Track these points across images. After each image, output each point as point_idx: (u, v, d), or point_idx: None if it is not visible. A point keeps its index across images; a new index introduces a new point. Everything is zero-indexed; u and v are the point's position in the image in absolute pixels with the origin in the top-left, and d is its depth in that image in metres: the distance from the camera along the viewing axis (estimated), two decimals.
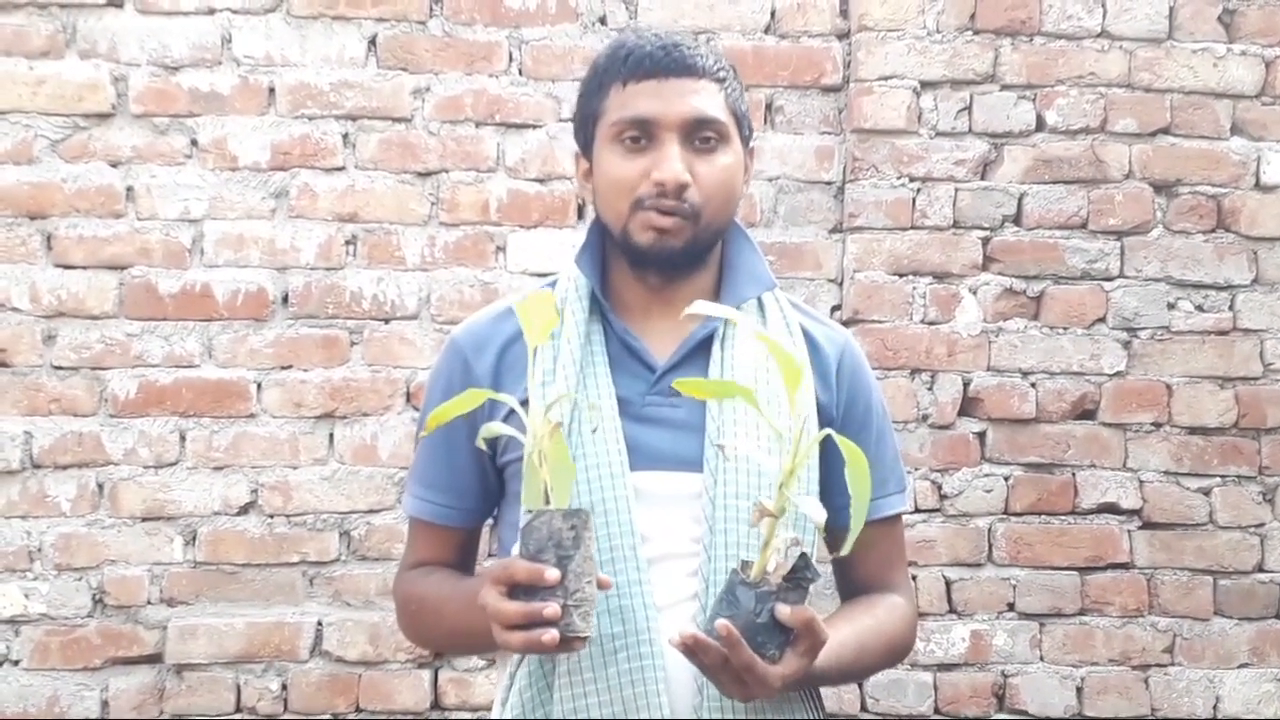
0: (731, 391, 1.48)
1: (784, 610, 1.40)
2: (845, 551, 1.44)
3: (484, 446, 1.56)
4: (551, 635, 1.38)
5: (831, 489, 1.54)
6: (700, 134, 1.60)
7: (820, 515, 1.40)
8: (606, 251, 1.69)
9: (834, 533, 1.50)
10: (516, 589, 1.41)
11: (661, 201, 1.58)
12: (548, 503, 1.42)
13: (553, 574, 1.39)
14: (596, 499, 1.54)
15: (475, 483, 1.69)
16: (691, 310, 1.47)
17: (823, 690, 1.70)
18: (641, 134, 1.60)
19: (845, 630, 1.58)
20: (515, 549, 1.48)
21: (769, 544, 1.41)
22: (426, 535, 1.74)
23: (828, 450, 1.50)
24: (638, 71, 1.61)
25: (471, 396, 1.50)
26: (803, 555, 1.42)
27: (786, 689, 1.46)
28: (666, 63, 1.60)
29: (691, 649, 1.40)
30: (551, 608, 1.38)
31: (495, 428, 1.50)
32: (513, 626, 1.41)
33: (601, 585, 1.44)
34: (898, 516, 1.75)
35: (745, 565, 1.43)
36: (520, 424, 1.46)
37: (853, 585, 1.75)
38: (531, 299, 1.47)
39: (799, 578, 1.41)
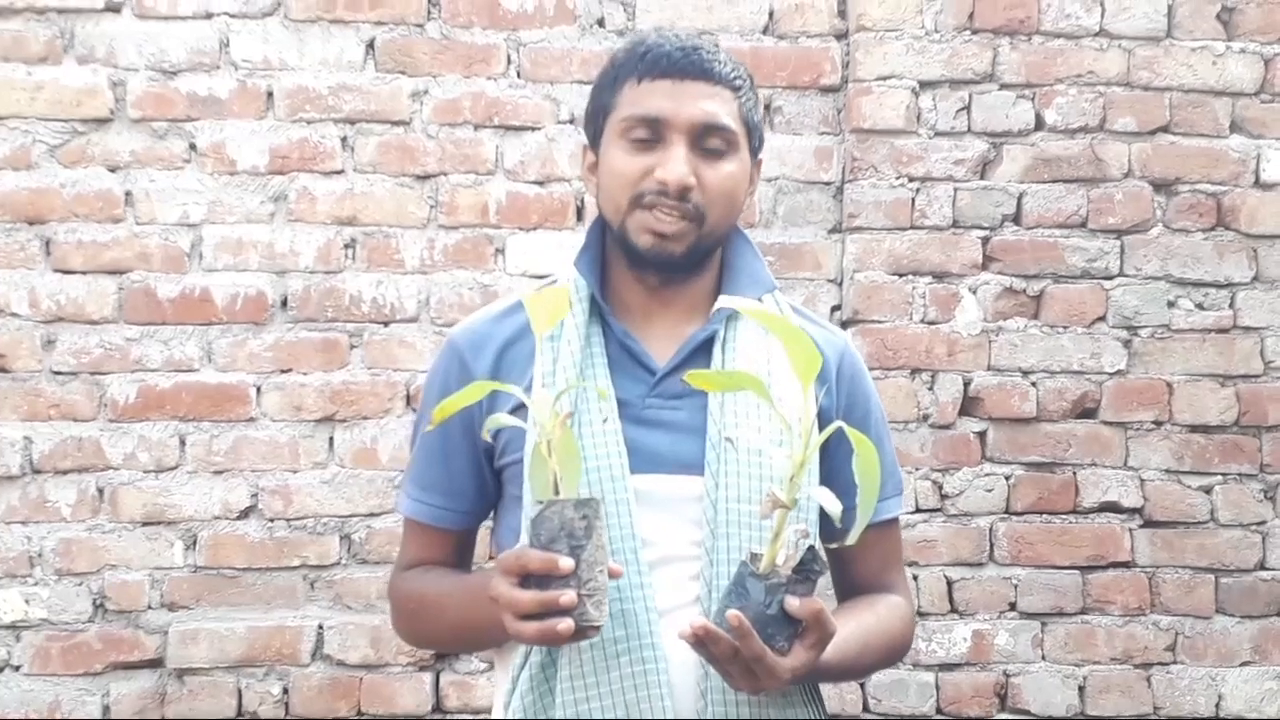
0: (742, 383, 1.48)
1: (793, 602, 1.40)
2: (852, 540, 1.43)
3: (488, 438, 1.56)
4: (567, 624, 1.39)
5: (832, 488, 1.53)
6: (709, 139, 1.60)
7: (836, 506, 1.40)
8: (606, 253, 1.68)
9: (833, 532, 1.50)
10: (528, 579, 1.41)
11: (663, 200, 1.58)
12: (557, 493, 1.42)
13: (567, 563, 1.39)
14: None
15: (472, 484, 1.68)
16: (719, 305, 1.50)
17: (824, 689, 1.71)
18: (650, 132, 1.60)
19: (849, 626, 1.58)
20: (524, 539, 1.48)
21: (779, 535, 1.41)
22: (422, 537, 1.73)
23: (827, 450, 1.50)
24: (654, 70, 1.60)
25: (477, 389, 1.49)
26: (810, 548, 1.42)
27: (794, 681, 1.46)
28: (684, 64, 1.60)
29: (702, 639, 1.40)
30: (569, 595, 1.38)
31: (502, 419, 1.50)
32: (526, 616, 1.41)
33: (612, 574, 1.44)
34: (895, 519, 1.75)
35: (754, 557, 1.43)
36: (524, 421, 1.45)
37: (851, 587, 1.75)
38: (545, 292, 1.47)
39: (807, 570, 1.42)
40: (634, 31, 2.96)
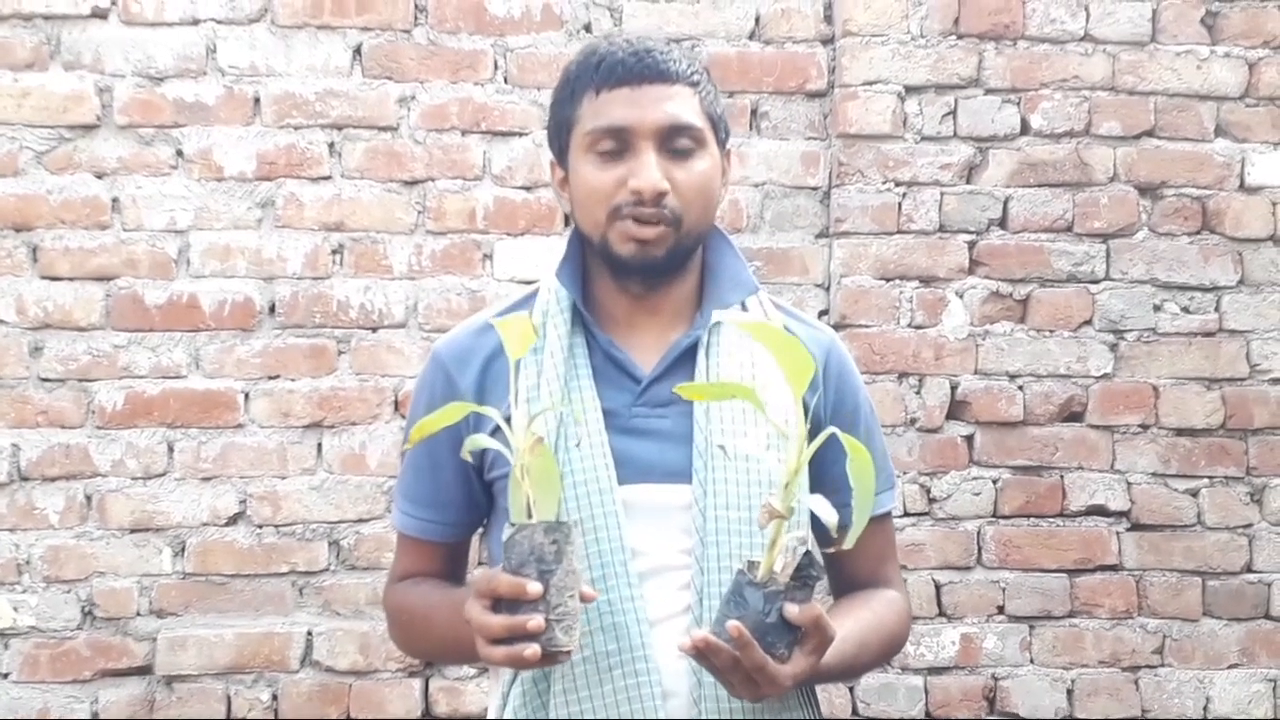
0: (733, 393, 1.47)
1: (793, 610, 1.40)
2: (849, 545, 1.42)
3: (469, 459, 1.55)
4: (533, 650, 1.38)
5: (825, 489, 1.52)
6: (676, 140, 1.59)
7: (832, 516, 1.40)
8: (587, 261, 1.67)
9: (826, 536, 1.49)
10: (499, 603, 1.41)
11: (640, 210, 1.57)
12: (530, 516, 1.42)
13: (534, 589, 1.38)
14: (585, 514, 1.53)
15: (460, 498, 1.68)
16: (714, 320, 1.53)
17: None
18: (617, 143, 1.58)
19: (847, 625, 1.57)
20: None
21: (776, 543, 1.40)
22: (413, 549, 1.74)
23: (819, 450, 1.50)
24: (611, 79, 1.59)
25: (454, 410, 1.49)
26: (807, 553, 1.42)
27: (795, 687, 1.46)
28: (640, 69, 1.59)
29: (703, 651, 1.40)
30: (535, 621, 1.38)
31: (480, 440, 1.49)
32: (496, 640, 1.41)
33: (585, 598, 1.43)
34: (888, 514, 1.75)
35: (751, 565, 1.42)
36: (505, 440, 1.44)
37: (847, 583, 1.74)
38: (508, 320, 1.47)
39: (805, 576, 1.41)
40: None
